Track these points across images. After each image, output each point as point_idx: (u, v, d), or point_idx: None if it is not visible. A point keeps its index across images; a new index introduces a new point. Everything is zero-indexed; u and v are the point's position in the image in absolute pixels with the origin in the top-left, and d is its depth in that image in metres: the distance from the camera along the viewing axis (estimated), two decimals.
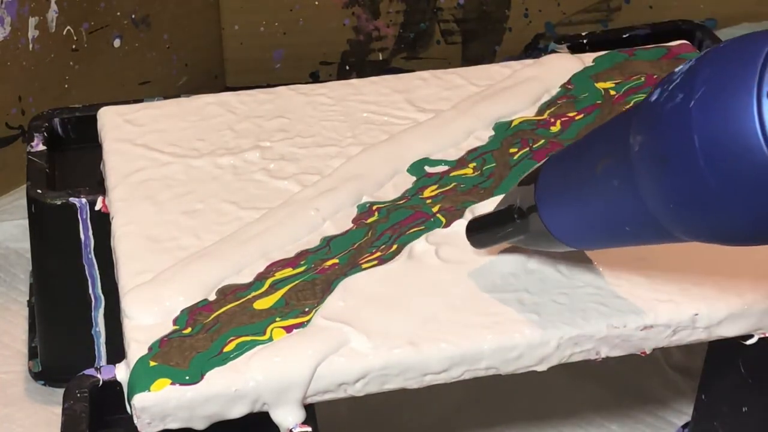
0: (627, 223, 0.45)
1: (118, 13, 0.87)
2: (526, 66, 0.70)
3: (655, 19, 0.83)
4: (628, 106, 0.43)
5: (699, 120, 0.39)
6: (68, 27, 0.85)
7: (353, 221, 0.59)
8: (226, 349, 0.52)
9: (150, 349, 0.52)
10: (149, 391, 0.50)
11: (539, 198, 0.49)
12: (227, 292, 0.55)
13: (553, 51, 0.74)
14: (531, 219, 0.50)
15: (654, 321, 0.54)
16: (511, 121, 0.66)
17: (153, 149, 0.64)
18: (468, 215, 0.58)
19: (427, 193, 0.60)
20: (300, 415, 0.52)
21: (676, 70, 0.41)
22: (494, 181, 0.61)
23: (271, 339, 0.52)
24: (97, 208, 0.65)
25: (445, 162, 0.63)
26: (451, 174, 0.62)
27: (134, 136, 0.65)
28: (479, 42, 0.97)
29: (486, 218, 0.54)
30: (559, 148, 0.50)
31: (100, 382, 0.54)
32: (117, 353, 0.57)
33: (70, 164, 0.70)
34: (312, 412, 0.52)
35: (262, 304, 0.54)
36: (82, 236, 0.66)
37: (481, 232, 0.54)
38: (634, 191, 0.43)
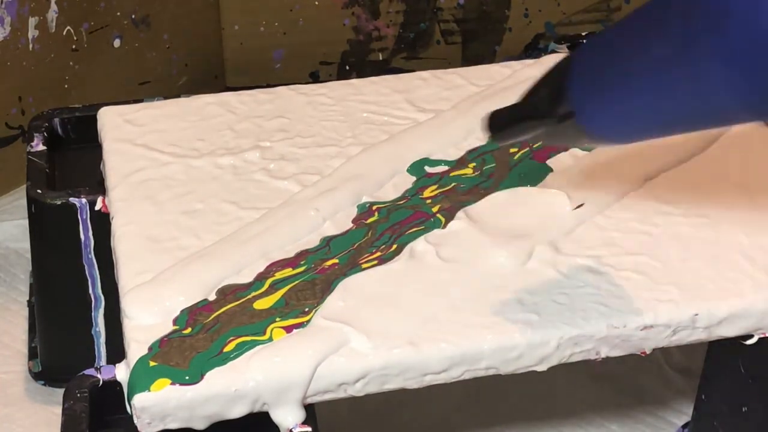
0: (680, 105, 0.42)
1: (118, 13, 0.87)
2: (526, 66, 0.70)
3: None
4: None
5: None
6: (68, 27, 0.85)
7: (353, 221, 0.59)
8: (226, 349, 0.52)
9: (150, 349, 0.52)
10: (149, 391, 0.50)
11: (573, 90, 0.45)
12: (227, 292, 0.55)
13: (553, 51, 0.74)
14: (561, 112, 0.46)
15: (654, 321, 0.54)
16: None
17: (153, 149, 0.64)
18: (461, 215, 0.58)
19: (427, 193, 0.60)
20: (300, 415, 0.52)
21: None
22: (494, 181, 0.61)
23: (271, 339, 0.52)
24: (97, 208, 0.65)
25: (445, 162, 0.63)
26: (451, 174, 0.62)
27: (134, 136, 0.65)
28: (479, 42, 0.97)
29: (509, 111, 0.49)
30: (593, 36, 0.46)
31: (100, 382, 0.54)
32: (117, 353, 0.57)
33: (70, 164, 0.70)
34: (312, 412, 0.52)
35: (262, 304, 0.54)
36: (82, 236, 0.66)
37: (502, 127, 0.50)
38: (691, 67, 0.40)
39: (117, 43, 0.88)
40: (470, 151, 0.63)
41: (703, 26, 0.39)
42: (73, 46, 0.86)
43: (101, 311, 0.68)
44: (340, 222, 0.59)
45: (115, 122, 0.66)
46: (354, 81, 0.70)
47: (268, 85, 0.78)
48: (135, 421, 0.51)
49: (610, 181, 0.61)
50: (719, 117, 0.42)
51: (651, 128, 0.45)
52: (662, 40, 0.41)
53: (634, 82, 0.43)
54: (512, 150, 0.63)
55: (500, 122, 0.50)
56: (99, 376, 0.54)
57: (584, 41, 0.44)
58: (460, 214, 0.59)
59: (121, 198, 0.60)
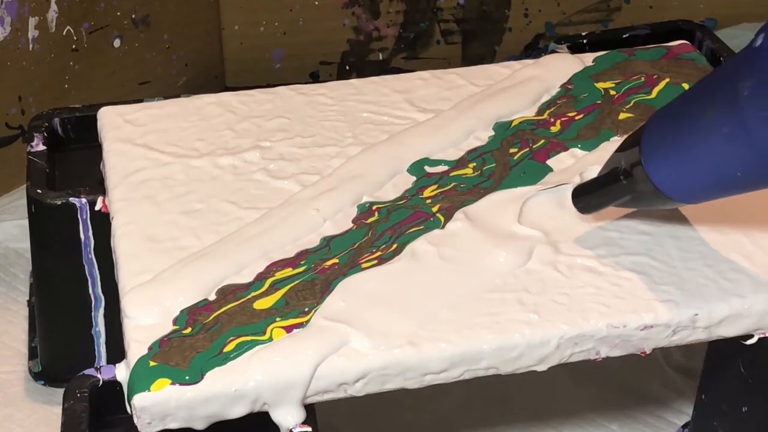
0: (739, 168, 0.47)
1: (118, 13, 0.88)
2: (526, 66, 0.70)
3: (655, 19, 0.83)
4: (732, 57, 0.47)
5: None
6: (68, 27, 0.85)
7: (353, 221, 0.59)
8: (226, 349, 0.52)
9: (150, 349, 0.52)
10: (149, 391, 0.50)
11: (645, 155, 0.51)
12: (227, 292, 0.55)
13: (553, 51, 0.74)
14: (637, 177, 0.52)
15: (654, 321, 0.54)
16: (511, 121, 0.66)
17: (153, 149, 0.64)
18: (459, 216, 0.58)
19: (427, 193, 0.60)
20: (300, 415, 0.52)
21: None
22: (494, 182, 0.61)
23: (271, 339, 0.52)
24: (97, 208, 0.65)
25: (445, 162, 0.63)
26: (451, 174, 0.62)
27: (134, 136, 0.65)
28: (479, 42, 0.97)
29: (593, 182, 0.56)
30: (662, 107, 0.52)
31: (100, 382, 0.54)
32: (117, 353, 0.57)
33: (70, 164, 0.70)
34: (312, 412, 0.52)
35: (262, 304, 0.54)
36: (82, 236, 0.66)
37: (588, 196, 0.56)
38: (745, 136, 0.46)
39: (117, 43, 0.88)
40: (470, 151, 0.63)
41: (762, 101, 0.45)
42: (73, 46, 0.86)
43: (101, 311, 0.68)
44: (340, 222, 0.59)
45: (115, 122, 0.66)
46: (354, 81, 0.70)
47: (268, 85, 0.78)
48: (135, 421, 0.51)
49: None
50: None
51: (710, 189, 0.50)
52: (720, 111, 0.47)
53: (694, 149, 0.49)
54: (512, 150, 0.63)
55: (584, 192, 0.56)
56: (99, 376, 0.54)
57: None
58: (459, 214, 0.59)
59: (121, 198, 0.60)
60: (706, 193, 0.51)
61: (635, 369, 0.72)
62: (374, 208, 0.60)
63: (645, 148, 0.51)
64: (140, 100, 0.69)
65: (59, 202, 0.65)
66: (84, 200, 0.65)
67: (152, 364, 0.51)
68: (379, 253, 0.57)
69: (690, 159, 0.49)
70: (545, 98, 0.67)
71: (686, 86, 0.67)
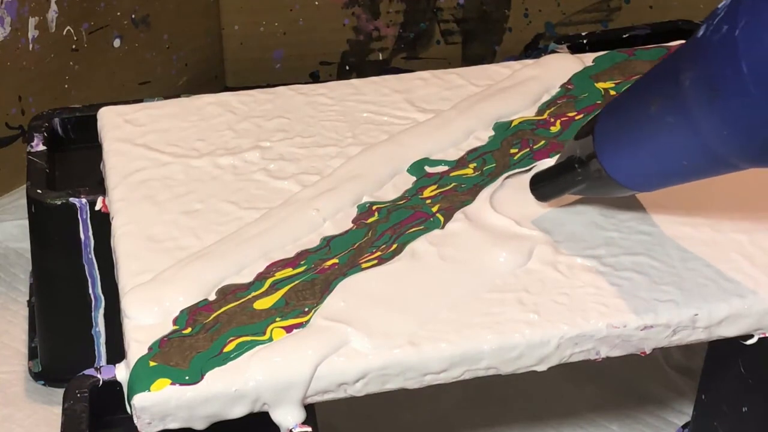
0: (685, 157, 0.48)
1: (118, 13, 0.88)
2: (526, 66, 0.70)
3: (655, 19, 0.83)
4: (677, 48, 0.48)
5: (745, 47, 0.42)
6: (68, 27, 0.85)
7: (353, 221, 0.59)
8: (226, 349, 0.52)
9: (150, 349, 0.52)
10: (149, 391, 0.50)
11: (598, 145, 0.52)
12: (227, 292, 0.55)
13: (553, 51, 0.74)
14: (591, 166, 0.53)
15: (654, 321, 0.54)
16: (511, 121, 0.66)
17: (153, 149, 0.64)
18: (459, 216, 0.58)
19: (427, 193, 0.60)
20: (300, 415, 0.52)
21: (720, 5, 0.44)
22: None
23: (271, 339, 0.52)
24: (97, 208, 0.65)
25: (445, 162, 0.63)
26: (451, 174, 0.62)
27: (134, 136, 0.65)
28: (479, 42, 0.97)
29: (548, 171, 0.57)
30: (615, 96, 0.53)
31: (100, 382, 0.54)
32: (117, 353, 0.57)
33: (70, 164, 0.70)
34: (312, 412, 0.52)
35: (262, 304, 0.54)
36: (82, 236, 0.66)
37: (544, 185, 0.57)
38: (688, 125, 0.46)
39: (117, 43, 0.88)
40: (470, 151, 0.63)
41: (703, 91, 0.44)
42: (73, 46, 0.86)
43: (101, 311, 0.68)
44: (340, 222, 0.59)
45: (115, 122, 0.66)
46: (354, 81, 0.70)
47: (268, 85, 0.78)
48: (135, 421, 0.51)
49: None
50: (721, 167, 0.47)
51: (660, 177, 0.51)
52: (668, 102, 0.47)
53: (644, 140, 0.49)
54: (512, 150, 0.63)
55: (541, 180, 0.57)
56: (99, 376, 0.54)
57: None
58: (459, 214, 0.59)
59: (121, 198, 0.60)
60: (657, 181, 0.52)
61: (635, 369, 0.72)
62: (374, 208, 0.60)
63: (598, 138, 0.52)
64: (140, 100, 0.69)
65: (59, 202, 0.65)
66: (84, 200, 0.65)
67: (152, 364, 0.51)
68: (379, 253, 0.57)
69: (639, 148, 0.50)
70: (545, 98, 0.67)
71: None
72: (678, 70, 0.46)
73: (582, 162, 0.54)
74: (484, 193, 0.60)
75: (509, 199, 0.60)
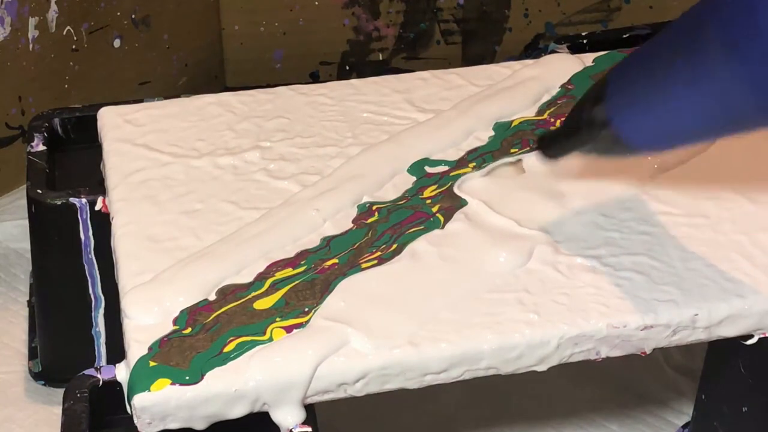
0: (704, 115, 0.47)
1: (118, 13, 0.88)
2: (526, 66, 0.70)
3: (655, 19, 0.83)
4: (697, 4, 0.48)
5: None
6: (68, 27, 0.85)
7: (353, 221, 0.59)
8: (226, 349, 0.52)
9: (150, 349, 0.52)
10: (149, 391, 0.50)
11: (609, 102, 0.51)
12: (227, 292, 0.55)
13: (553, 51, 0.74)
14: (600, 125, 0.51)
15: (654, 321, 0.54)
16: (511, 121, 0.66)
17: (153, 149, 0.64)
18: (459, 216, 0.58)
19: (427, 193, 0.60)
20: (300, 415, 0.52)
21: None
22: None
23: (271, 339, 0.52)
24: (97, 208, 0.65)
25: (445, 162, 0.63)
26: (451, 174, 0.62)
27: (134, 136, 0.65)
28: (479, 42, 0.97)
29: (558, 129, 0.56)
30: (624, 57, 0.51)
31: (100, 382, 0.54)
32: (117, 353, 0.57)
33: (70, 164, 0.70)
34: (312, 412, 0.52)
35: (262, 304, 0.54)
36: (82, 236, 0.66)
37: (553, 142, 0.55)
38: (710, 82, 0.45)
39: (117, 43, 0.88)
40: (470, 152, 0.63)
41: (727, 44, 0.44)
42: (73, 46, 0.86)
43: (101, 311, 0.68)
44: (340, 222, 0.59)
45: (115, 122, 0.66)
46: (354, 81, 0.70)
47: (268, 85, 0.78)
48: (135, 421, 0.51)
49: (614, 180, 0.61)
50: (742, 125, 0.46)
51: (679, 136, 0.49)
52: (688, 56, 0.46)
53: (663, 94, 0.48)
54: (512, 150, 0.63)
55: (549, 141, 0.55)
56: (99, 376, 0.54)
57: (624, 56, 0.52)
58: (459, 214, 0.59)
59: (121, 198, 0.60)
60: (673, 140, 0.51)
61: (635, 369, 0.72)
62: (374, 208, 0.60)
63: (610, 95, 0.51)
64: (140, 100, 0.69)
65: (59, 202, 0.65)
66: (84, 200, 0.65)
67: (152, 364, 0.51)
68: (379, 253, 0.57)
69: (657, 108, 0.49)
70: (545, 98, 0.67)
71: None
72: (696, 24, 0.46)
73: (591, 120, 0.52)
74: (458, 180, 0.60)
75: (480, 186, 0.60)
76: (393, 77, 0.70)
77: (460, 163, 0.63)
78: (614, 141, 0.51)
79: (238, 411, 0.51)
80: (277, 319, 0.53)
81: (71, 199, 0.65)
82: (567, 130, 0.54)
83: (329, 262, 0.56)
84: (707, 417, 0.63)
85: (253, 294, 0.54)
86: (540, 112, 0.66)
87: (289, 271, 0.56)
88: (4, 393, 0.71)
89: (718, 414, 0.62)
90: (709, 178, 0.61)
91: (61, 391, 0.56)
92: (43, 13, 0.84)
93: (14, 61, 0.83)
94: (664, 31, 0.49)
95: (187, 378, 0.50)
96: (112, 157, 0.63)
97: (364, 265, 0.56)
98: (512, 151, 0.63)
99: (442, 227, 0.58)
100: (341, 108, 0.67)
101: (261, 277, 0.55)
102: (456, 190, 0.60)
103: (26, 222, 0.68)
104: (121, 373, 0.52)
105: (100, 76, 0.88)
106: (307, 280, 0.55)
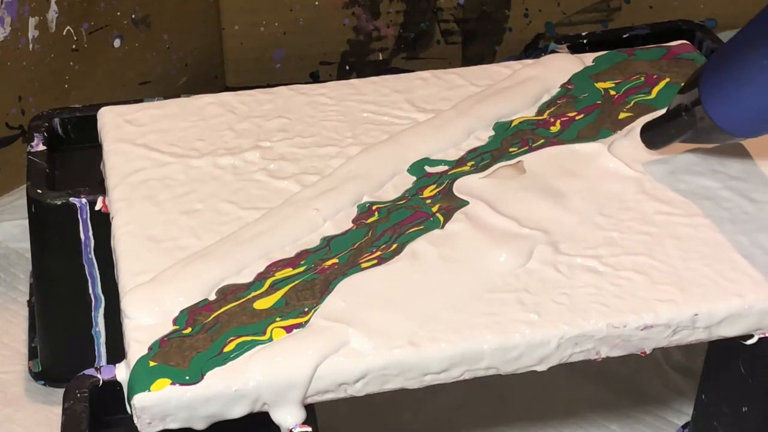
0: None
1: (118, 13, 0.88)
2: (526, 66, 0.70)
3: (655, 19, 0.83)
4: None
5: None
6: (68, 27, 0.85)
7: (353, 221, 0.59)
8: (226, 349, 0.52)
9: (150, 349, 0.52)
10: (149, 391, 0.50)
11: (703, 92, 0.56)
12: (227, 292, 0.55)
13: (553, 51, 0.74)
14: (697, 113, 0.56)
15: (654, 321, 0.54)
16: (511, 121, 0.66)
17: (153, 149, 0.64)
18: (459, 216, 0.58)
19: (427, 192, 0.60)
20: (300, 415, 0.52)
21: None
22: None
23: (271, 339, 0.52)
24: (97, 208, 0.65)
25: (445, 162, 0.63)
26: (451, 174, 0.62)
27: (134, 136, 0.65)
28: (479, 42, 0.97)
29: (659, 119, 0.60)
30: (720, 48, 0.56)
31: (100, 382, 0.54)
32: (117, 353, 0.57)
33: (70, 164, 0.70)
34: (312, 412, 0.52)
35: (262, 304, 0.54)
36: (82, 236, 0.66)
37: (653, 132, 0.61)
38: None
39: (117, 43, 0.88)
40: (470, 151, 0.63)
41: None
42: (73, 46, 0.86)
43: (101, 311, 0.68)
44: (340, 222, 0.59)
45: (115, 122, 0.66)
46: (354, 81, 0.70)
47: (268, 85, 0.78)
48: (135, 421, 0.51)
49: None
50: None
51: (762, 122, 0.54)
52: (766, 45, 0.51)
53: (750, 81, 0.53)
54: (512, 150, 0.63)
55: (651, 131, 0.61)
56: (99, 376, 0.54)
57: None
58: (459, 214, 0.59)
59: (121, 198, 0.60)
60: (758, 126, 0.55)
61: (635, 369, 0.72)
62: (374, 208, 0.60)
63: (703, 86, 0.55)
64: (140, 100, 0.69)
65: (59, 202, 0.65)
66: (84, 200, 0.65)
67: (152, 364, 0.51)
68: (379, 253, 0.57)
69: (742, 93, 0.53)
70: (545, 98, 0.67)
71: None
72: None
73: (688, 109, 0.57)
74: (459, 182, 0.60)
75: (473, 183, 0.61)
76: (393, 77, 0.70)
77: (460, 163, 0.63)
78: (711, 127, 0.55)
79: (238, 411, 0.51)
80: (277, 319, 0.53)
81: (71, 199, 0.65)
82: (667, 120, 0.59)
83: (329, 262, 0.56)
84: (707, 417, 0.63)
85: (253, 294, 0.54)
86: (540, 111, 0.66)
87: (289, 271, 0.56)
88: (4, 393, 0.71)
89: (718, 414, 0.62)
90: (708, 178, 0.61)
91: (61, 391, 0.56)
92: (43, 13, 0.83)
93: (14, 61, 0.83)
94: (752, 20, 0.53)
95: (187, 378, 0.50)
96: (112, 157, 0.63)
97: (364, 265, 0.56)
98: (512, 150, 0.63)
99: (442, 227, 0.58)
100: (341, 108, 0.67)
101: (261, 277, 0.55)
102: (456, 190, 0.60)
103: (26, 222, 0.68)
104: (121, 373, 0.52)
105: (100, 76, 0.88)
106: (307, 280, 0.55)
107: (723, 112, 0.55)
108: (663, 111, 0.60)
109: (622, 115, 0.66)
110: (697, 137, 0.58)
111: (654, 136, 0.61)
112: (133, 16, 0.88)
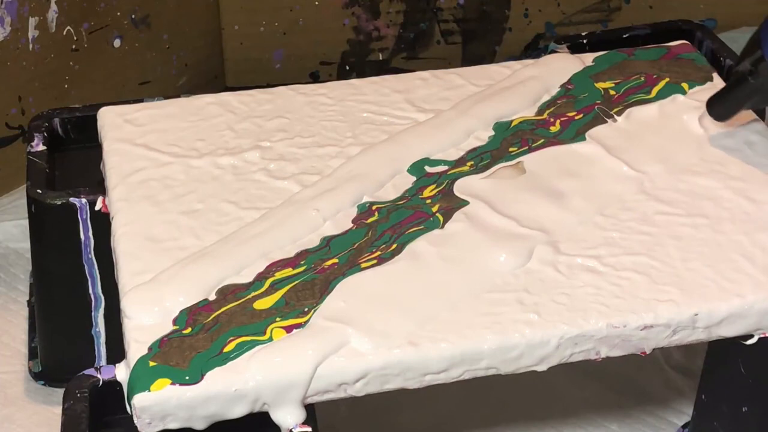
0: None
1: (118, 13, 0.88)
2: (526, 66, 0.70)
3: (655, 19, 0.83)
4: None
5: None
6: (68, 27, 0.85)
7: (353, 221, 0.59)
8: (226, 349, 0.52)
9: (150, 349, 0.52)
10: (149, 391, 0.50)
11: (766, 49, 0.57)
12: (227, 292, 0.55)
13: (553, 51, 0.74)
14: (762, 72, 0.58)
15: (654, 321, 0.54)
16: (511, 121, 0.66)
17: (153, 149, 0.64)
18: (459, 216, 0.58)
19: (427, 192, 0.60)
20: (300, 415, 0.52)
21: None
22: None
23: (271, 339, 0.52)
24: (97, 208, 0.65)
25: (445, 162, 0.63)
26: (451, 174, 0.62)
27: (134, 136, 0.65)
28: (479, 42, 0.97)
29: (723, 90, 0.62)
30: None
31: (100, 382, 0.54)
32: (117, 353, 0.57)
33: (70, 164, 0.70)
34: (312, 412, 0.52)
35: (262, 304, 0.54)
36: (82, 236, 0.66)
37: (720, 103, 0.61)
38: None
39: (117, 43, 0.88)
40: (470, 151, 0.63)
41: None
42: (73, 46, 0.86)
43: (101, 311, 0.68)
44: (340, 222, 0.59)
45: (115, 122, 0.66)
46: (354, 81, 0.70)
47: (268, 85, 0.78)
48: (135, 421, 0.51)
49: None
50: None
51: None
52: None
53: None
54: (512, 150, 0.63)
55: (717, 101, 0.61)
56: (99, 376, 0.54)
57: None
58: (459, 214, 0.59)
59: (121, 198, 0.60)
60: None
61: (635, 369, 0.72)
62: (374, 208, 0.60)
63: (765, 43, 0.57)
64: (140, 100, 0.69)
65: (59, 202, 0.65)
66: (84, 200, 0.65)
67: (152, 364, 0.51)
68: (378, 253, 0.57)
69: None
70: (545, 98, 0.67)
71: (686, 86, 0.67)
72: None
73: (753, 72, 0.58)
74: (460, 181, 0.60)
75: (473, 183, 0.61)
76: (393, 77, 0.70)
77: (460, 162, 0.63)
78: None
79: (238, 411, 0.51)
80: (277, 319, 0.53)
81: (71, 199, 0.65)
82: (734, 88, 0.60)
83: (329, 262, 0.56)
84: (707, 417, 0.63)
85: (253, 294, 0.54)
86: (540, 111, 0.66)
87: (288, 271, 0.56)
88: (4, 393, 0.71)
89: (718, 414, 0.62)
90: (708, 178, 0.61)
91: (61, 391, 0.56)
92: (43, 13, 0.83)
93: (14, 61, 0.83)
94: None
95: (187, 378, 0.50)
96: (112, 157, 0.63)
97: (363, 265, 0.56)
98: (511, 150, 0.63)
99: (442, 227, 0.58)
100: (341, 108, 0.67)
101: (261, 277, 0.55)
102: (456, 190, 0.60)
103: (26, 222, 0.68)
104: (121, 373, 0.52)
105: (100, 76, 0.88)
106: (307, 280, 0.55)
107: None
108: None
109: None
110: (765, 99, 0.60)
111: (722, 108, 0.61)
112: (133, 16, 0.88)
